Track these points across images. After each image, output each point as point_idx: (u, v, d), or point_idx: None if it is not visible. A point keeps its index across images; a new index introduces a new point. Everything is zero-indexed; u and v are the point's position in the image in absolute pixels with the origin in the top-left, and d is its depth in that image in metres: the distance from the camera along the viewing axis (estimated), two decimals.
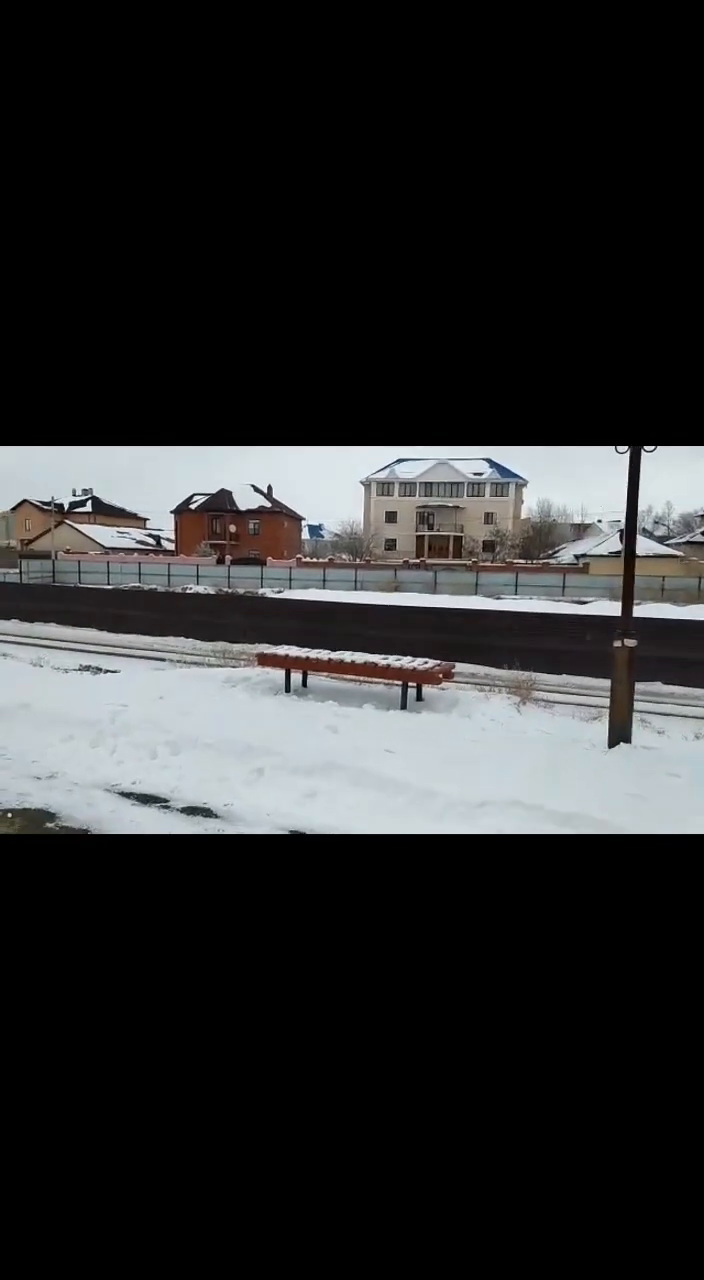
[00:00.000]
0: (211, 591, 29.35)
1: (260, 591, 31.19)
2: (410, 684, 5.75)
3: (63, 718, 4.93)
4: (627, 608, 4.43)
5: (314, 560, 42.80)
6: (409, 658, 5.96)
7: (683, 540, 45.02)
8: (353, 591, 31.17)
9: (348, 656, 6.02)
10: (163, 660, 9.55)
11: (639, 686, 8.72)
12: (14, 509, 53.48)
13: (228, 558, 41.28)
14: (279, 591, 31.00)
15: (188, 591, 29.19)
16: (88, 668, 8.59)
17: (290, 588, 33.69)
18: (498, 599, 28.27)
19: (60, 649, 11.00)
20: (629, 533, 4.48)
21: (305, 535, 58.87)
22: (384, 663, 5.78)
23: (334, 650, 6.40)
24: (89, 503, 54.43)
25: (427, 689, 5.95)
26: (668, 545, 42.92)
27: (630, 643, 4.31)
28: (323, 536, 61.90)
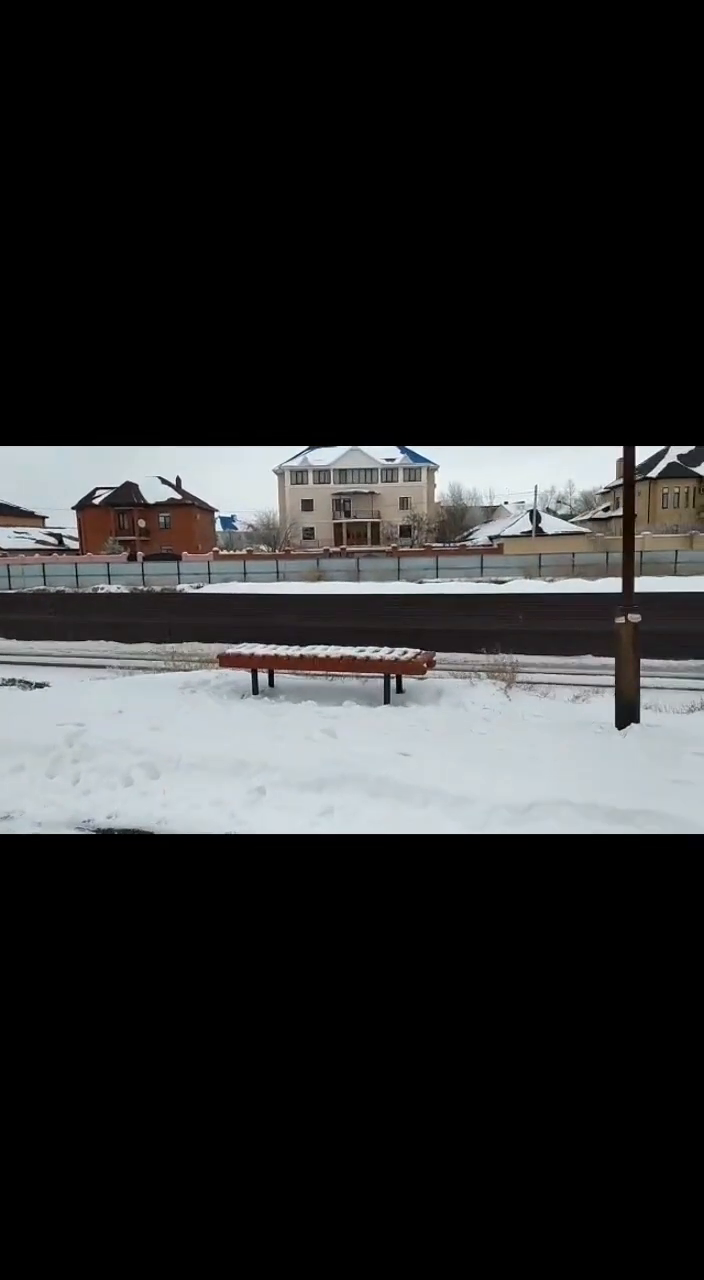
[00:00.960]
0: (126, 591, 27.71)
1: (179, 588, 29.82)
2: (391, 676, 5.40)
3: (6, 745, 4.19)
4: (628, 582, 4.28)
5: (232, 553, 41.52)
6: (386, 648, 5.60)
7: (586, 518, 47.51)
8: (276, 583, 30.48)
9: (321, 651, 5.58)
10: (103, 667, 8.65)
11: (575, 661, 8.91)
12: None
13: (139, 554, 39.22)
14: (199, 587, 29.75)
15: (100, 592, 27.43)
16: (12, 681, 7.62)
17: (210, 582, 32.47)
18: (420, 583, 28.54)
19: None
20: (627, 513, 4.33)
21: (218, 528, 57.05)
22: (362, 655, 5.39)
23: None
24: None
25: (406, 680, 5.62)
26: (572, 523, 45.14)
27: (635, 618, 4.16)
28: (236, 528, 60.28)
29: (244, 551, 41.53)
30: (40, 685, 7.41)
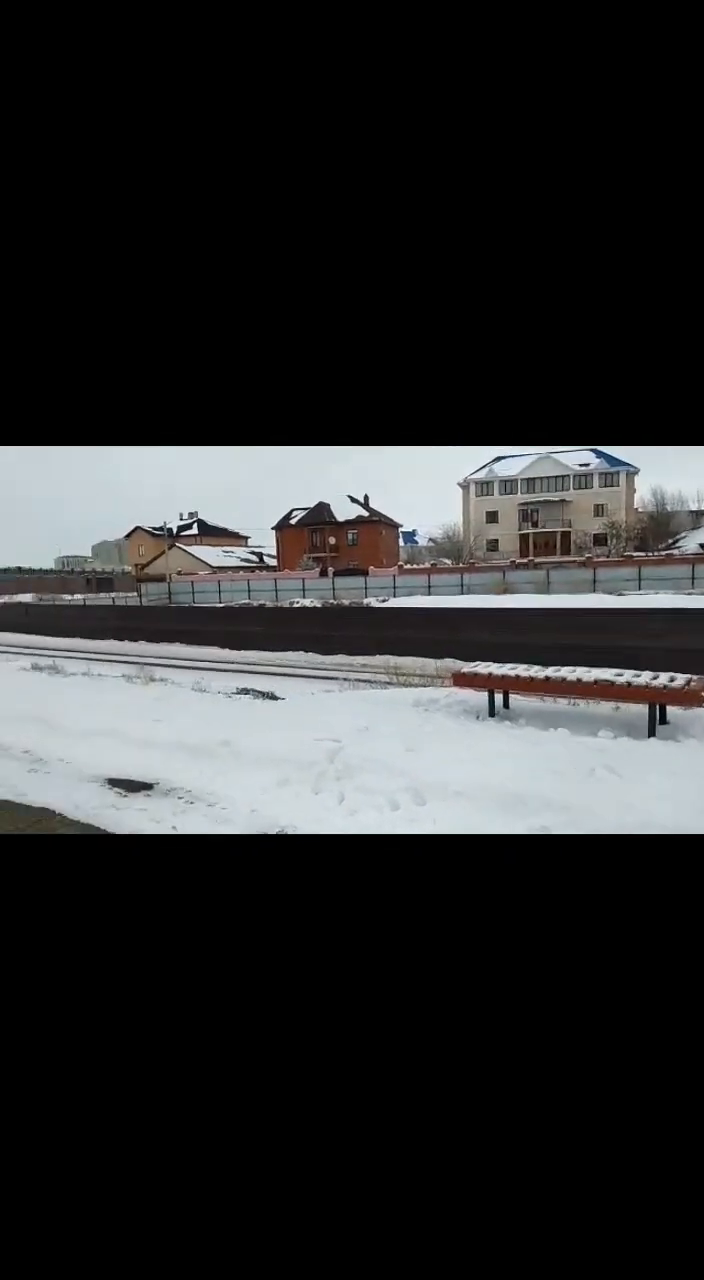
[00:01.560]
0: (318, 604, 29.28)
1: (366, 601, 30.77)
2: (656, 704, 4.74)
3: (270, 756, 4.35)
4: None
5: (415, 566, 41.94)
6: (649, 673, 4.94)
7: None
8: (461, 596, 30.04)
9: (569, 673, 5.09)
10: (331, 679, 8.97)
11: None
12: (127, 536, 56.55)
13: (330, 570, 41.29)
14: (384, 600, 30.42)
15: (295, 605, 29.32)
16: (246, 690, 8.18)
17: (395, 596, 33.03)
18: (620, 595, 26.13)
19: (209, 670, 10.80)
20: None
21: (400, 542, 58.10)
22: (621, 680, 4.81)
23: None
24: (195, 525, 56.63)
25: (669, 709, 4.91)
26: None
27: None
28: (418, 542, 60.98)
29: (428, 565, 41.69)
30: (268, 695, 7.85)
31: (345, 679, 8.36)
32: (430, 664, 8.24)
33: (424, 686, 6.82)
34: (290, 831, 3.43)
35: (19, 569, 59.80)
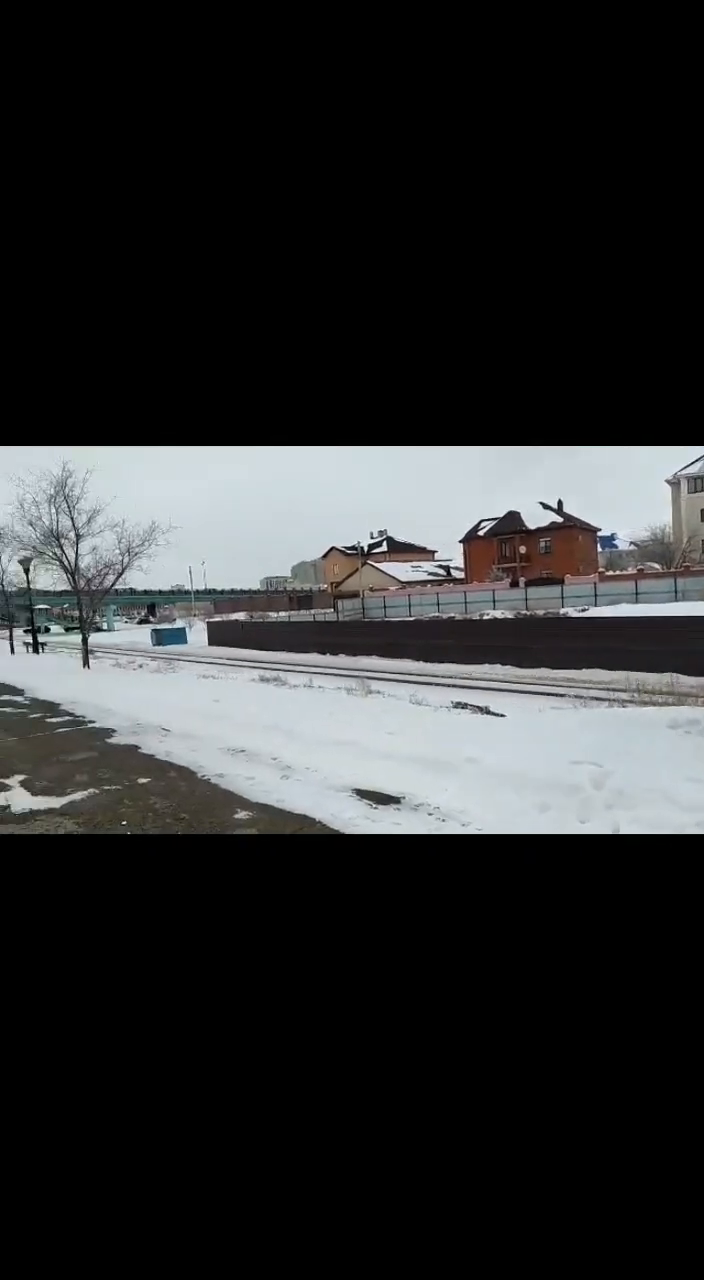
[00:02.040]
0: (510, 615, 28.18)
1: (562, 611, 28.91)
2: None
3: (518, 776, 4.08)
4: None
5: (618, 573, 38.59)
6: None
7: None
8: (676, 603, 26.84)
9: None
10: (560, 696, 8.46)
11: None
12: (323, 556, 60.30)
13: (521, 579, 39.72)
14: (584, 610, 28.29)
15: (486, 617, 28.55)
16: (460, 705, 8.00)
17: (595, 605, 30.60)
18: None
19: (414, 683, 10.85)
20: None
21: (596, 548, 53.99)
22: None
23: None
24: (384, 543, 58.49)
25: None
26: None
27: None
28: (617, 546, 56.23)
29: (633, 570, 38.11)
30: (483, 709, 7.56)
31: (577, 696, 7.75)
32: (682, 680, 7.30)
33: (673, 705, 6.03)
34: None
35: (233, 590, 67.12)
